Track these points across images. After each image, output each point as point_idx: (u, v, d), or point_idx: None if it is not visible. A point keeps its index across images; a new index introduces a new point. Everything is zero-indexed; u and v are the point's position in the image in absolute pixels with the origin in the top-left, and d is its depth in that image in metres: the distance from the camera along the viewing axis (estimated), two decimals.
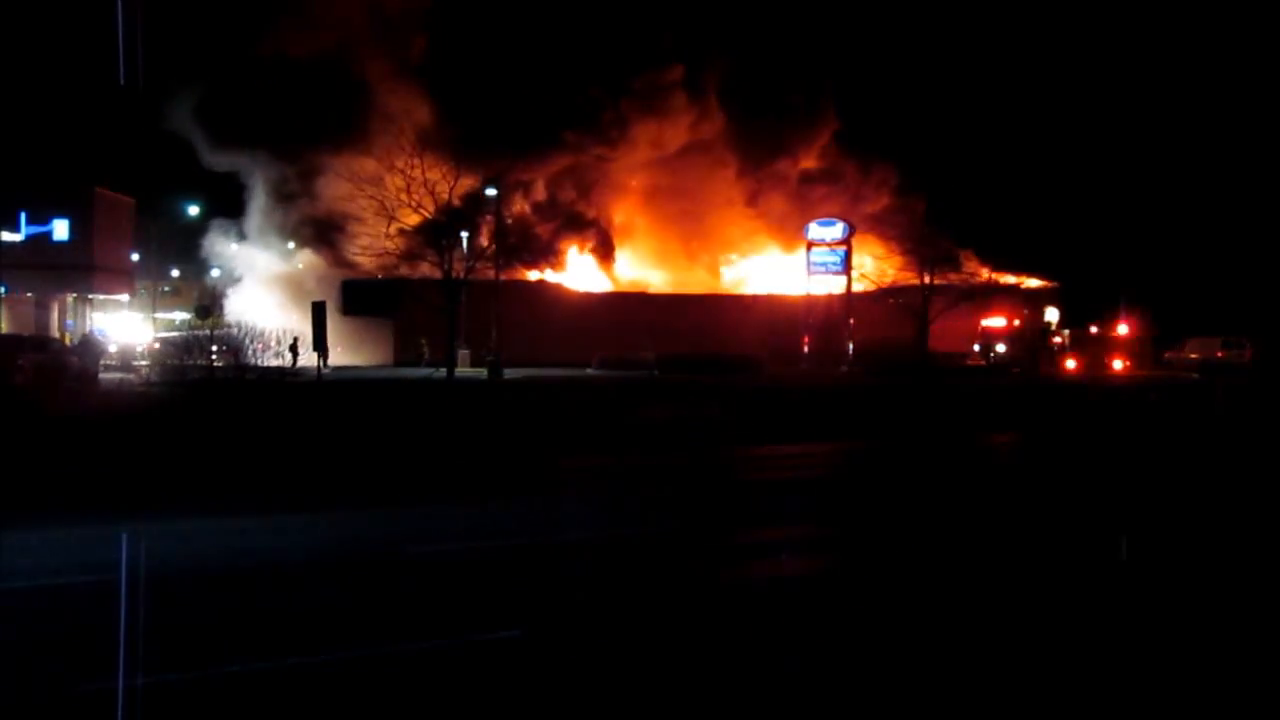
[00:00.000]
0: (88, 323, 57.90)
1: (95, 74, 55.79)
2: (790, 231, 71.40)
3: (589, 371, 55.03)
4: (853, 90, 69.74)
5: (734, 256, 76.05)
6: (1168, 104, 73.55)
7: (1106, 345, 67.28)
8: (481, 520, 14.61)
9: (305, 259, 65.20)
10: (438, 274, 47.29)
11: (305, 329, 43.35)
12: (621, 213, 72.32)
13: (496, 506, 15.68)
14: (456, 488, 17.49)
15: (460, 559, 12.04)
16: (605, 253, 71.65)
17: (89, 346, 44.98)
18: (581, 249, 70.25)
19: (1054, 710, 7.70)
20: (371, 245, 50.48)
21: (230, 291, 64.58)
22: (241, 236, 67.68)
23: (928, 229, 58.70)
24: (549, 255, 64.30)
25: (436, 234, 47.09)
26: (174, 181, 65.39)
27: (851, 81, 69.77)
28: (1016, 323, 65.36)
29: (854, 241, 62.89)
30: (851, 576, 11.62)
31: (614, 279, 72.07)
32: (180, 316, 68.13)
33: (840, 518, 15.28)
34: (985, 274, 62.27)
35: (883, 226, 63.66)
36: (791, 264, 69.76)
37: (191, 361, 39.09)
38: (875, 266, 61.02)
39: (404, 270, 50.02)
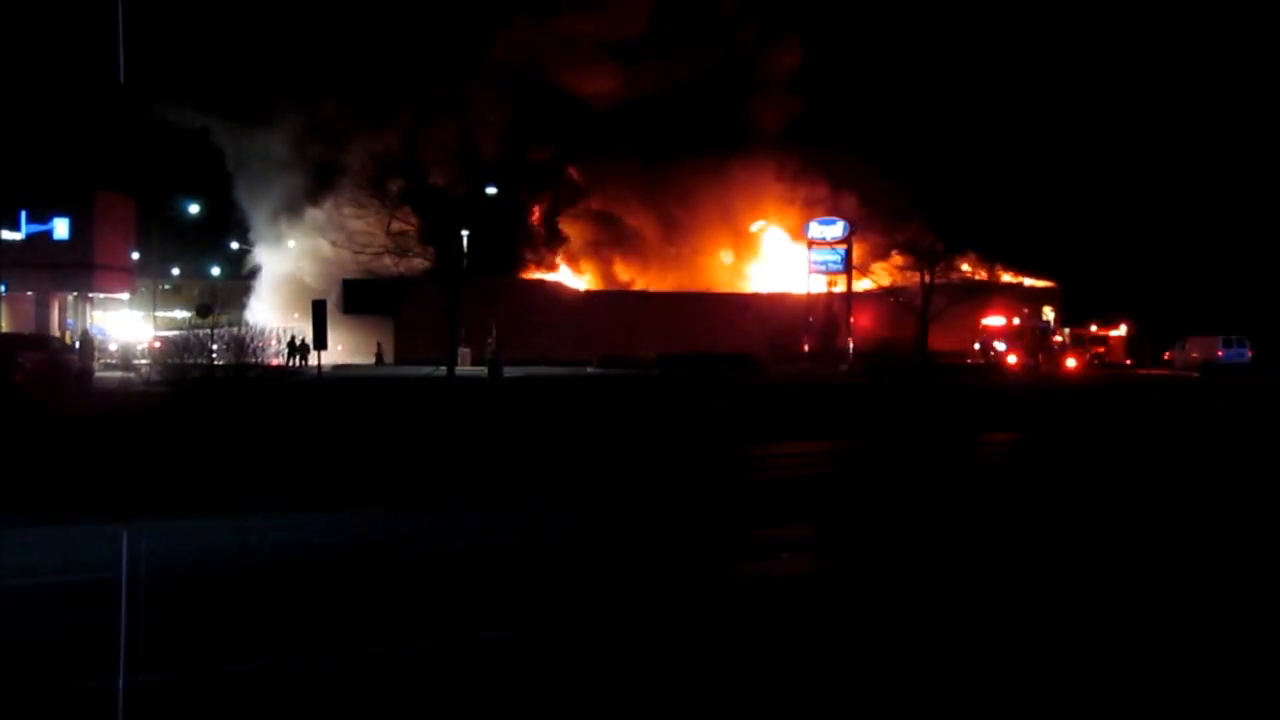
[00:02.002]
0: (88, 321, 57.92)
1: (96, 73, 55.79)
2: (791, 229, 71.52)
3: (589, 370, 55.04)
4: (852, 88, 69.77)
5: (733, 254, 76.04)
6: (1168, 104, 73.55)
7: (1104, 344, 67.46)
8: (482, 518, 14.62)
9: (306, 257, 65.24)
10: (437, 272, 47.23)
11: (305, 327, 43.41)
12: (620, 210, 72.27)
13: (496, 506, 15.72)
14: (457, 485, 17.49)
15: (459, 556, 12.06)
16: (603, 250, 71.68)
17: (85, 345, 45.01)
18: (580, 246, 70.21)
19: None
20: (370, 243, 50.50)
21: (232, 290, 64.74)
22: (243, 234, 67.90)
23: (921, 227, 58.61)
24: (547, 253, 64.28)
25: (436, 231, 47.06)
26: (174, 179, 65.47)
27: (851, 78, 69.83)
28: (1016, 321, 65.46)
29: (853, 240, 62.91)
30: (859, 574, 11.65)
31: (612, 277, 72.09)
32: (183, 315, 68.16)
33: (849, 515, 15.31)
34: (980, 271, 62.28)
35: (880, 223, 63.58)
36: (792, 262, 69.82)
37: (191, 360, 39.12)
38: (863, 254, 61.11)
39: (403, 268, 49.96)
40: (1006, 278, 66.57)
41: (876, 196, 67.69)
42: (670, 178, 71.66)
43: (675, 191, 72.27)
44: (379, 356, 58.63)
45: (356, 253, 53.19)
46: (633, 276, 72.80)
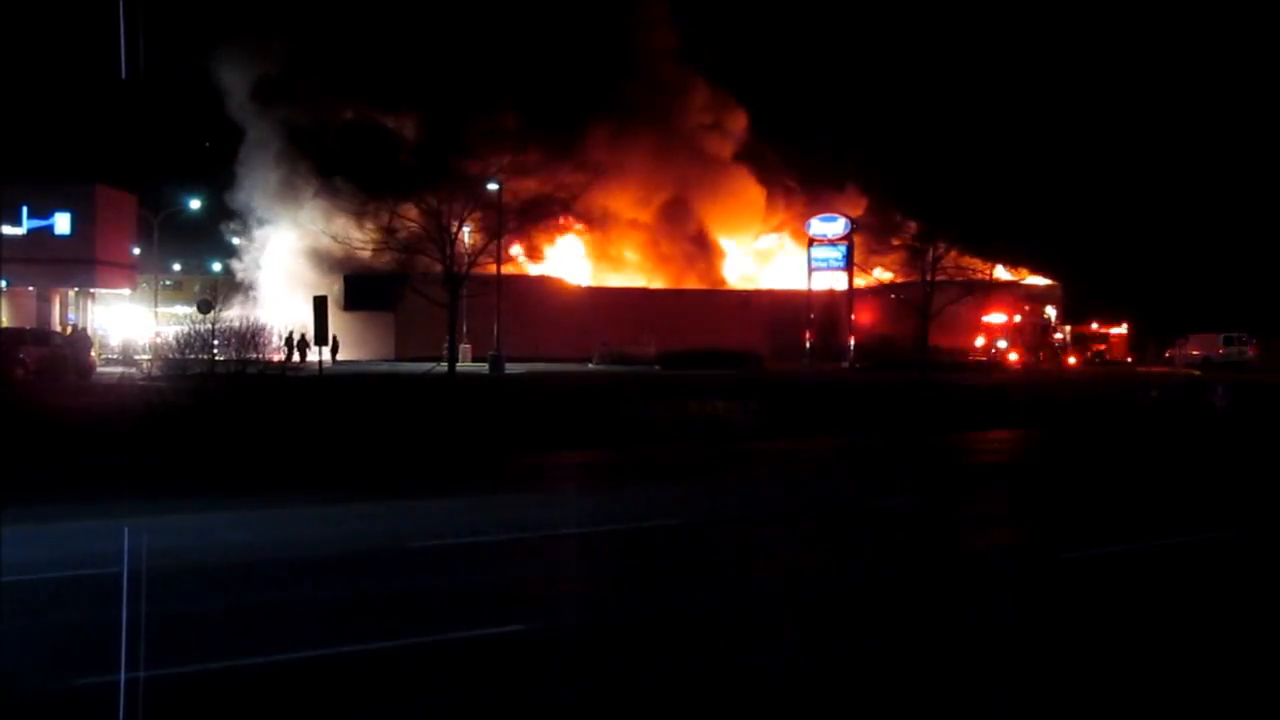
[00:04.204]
0: (90, 317, 57.92)
1: (96, 67, 55.78)
2: (792, 226, 71.41)
3: (590, 366, 55.02)
4: (854, 85, 69.67)
5: (735, 251, 75.91)
6: (1169, 102, 73.47)
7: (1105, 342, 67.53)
8: (480, 516, 14.63)
9: (308, 252, 65.14)
10: (438, 267, 47.00)
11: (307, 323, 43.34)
12: (622, 207, 72.00)
13: (494, 501, 15.74)
14: (456, 481, 17.51)
15: (459, 552, 12.07)
16: (604, 246, 71.45)
17: (80, 341, 45.01)
18: (579, 240, 69.93)
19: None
20: (371, 238, 50.39)
21: (233, 285, 64.71)
22: (245, 229, 67.88)
23: (922, 226, 58.37)
24: (543, 247, 63.88)
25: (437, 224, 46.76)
26: (176, 175, 65.46)
27: (852, 75, 69.75)
28: (1017, 319, 65.41)
29: (854, 237, 62.72)
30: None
31: (612, 273, 71.96)
32: (185, 310, 67.99)
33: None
34: (982, 269, 62.08)
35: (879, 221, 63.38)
36: (793, 259, 69.72)
37: (193, 356, 39.15)
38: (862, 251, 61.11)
39: (404, 261, 49.69)
40: (1008, 275, 66.39)
41: (876, 193, 67.67)
42: (673, 171, 71.61)
43: (673, 188, 72.16)
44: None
45: (357, 248, 53.16)
46: (632, 272, 72.65)
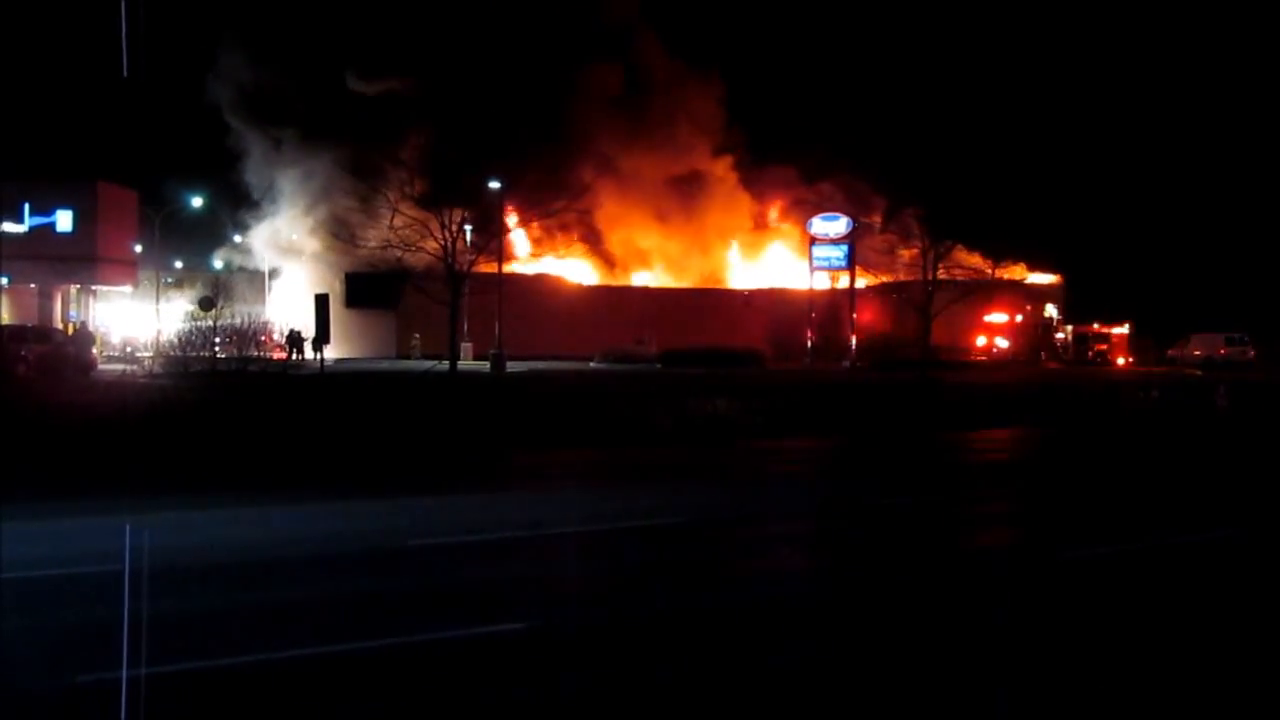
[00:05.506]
0: (91, 314, 57.97)
1: (98, 65, 55.81)
2: (794, 225, 71.39)
3: (591, 365, 55.04)
4: (853, 83, 69.70)
5: (736, 250, 75.92)
6: (1172, 101, 73.45)
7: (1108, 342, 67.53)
8: (481, 514, 14.63)
9: (310, 250, 65.21)
10: (439, 266, 47.02)
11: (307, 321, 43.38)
12: (622, 204, 72.02)
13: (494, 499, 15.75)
14: (458, 479, 17.53)
15: (460, 550, 12.08)
16: (604, 245, 71.47)
17: (83, 338, 45.10)
18: (580, 239, 69.93)
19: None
20: (375, 236, 50.45)
21: (235, 282, 64.86)
22: (245, 227, 67.98)
23: (921, 224, 58.35)
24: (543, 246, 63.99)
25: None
26: (178, 172, 65.55)
27: (852, 74, 69.78)
28: (1019, 318, 65.45)
29: (856, 235, 62.71)
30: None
31: (614, 273, 71.95)
32: (187, 307, 68.02)
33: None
34: (984, 263, 62.07)
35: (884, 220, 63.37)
36: (794, 258, 69.71)
37: (194, 353, 39.26)
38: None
39: (406, 260, 49.70)
40: (1009, 275, 66.42)
41: (878, 191, 67.73)
42: (673, 171, 71.65)
43: (678, 184, 72.18)
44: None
45: (358, 246, 53.22)
46: (634, 270, 72.66)
